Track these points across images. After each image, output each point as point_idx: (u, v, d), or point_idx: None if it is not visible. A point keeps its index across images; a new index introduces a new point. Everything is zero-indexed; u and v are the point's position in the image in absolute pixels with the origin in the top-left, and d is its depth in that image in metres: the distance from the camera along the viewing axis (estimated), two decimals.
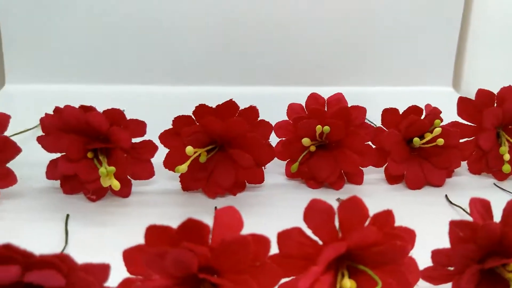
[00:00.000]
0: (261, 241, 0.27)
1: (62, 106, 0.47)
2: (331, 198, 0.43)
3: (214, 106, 0.39)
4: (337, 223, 0.29)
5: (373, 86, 0.60)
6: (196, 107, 0.39)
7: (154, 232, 0.27)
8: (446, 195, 0.42)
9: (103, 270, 0.26)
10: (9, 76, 0.58)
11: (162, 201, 0.41)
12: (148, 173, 0.40)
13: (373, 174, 0.45)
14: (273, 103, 0.44)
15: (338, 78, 0.61)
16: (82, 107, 0.38)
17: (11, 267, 0.23)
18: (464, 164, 0.45)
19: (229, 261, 0.27)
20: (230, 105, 0.39)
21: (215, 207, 0.40)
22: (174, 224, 0.38)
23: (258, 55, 0.60)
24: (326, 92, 0.46)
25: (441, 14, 0.61)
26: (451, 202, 0.42)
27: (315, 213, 0.29)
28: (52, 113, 0.40)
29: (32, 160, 0.40)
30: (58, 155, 0.40)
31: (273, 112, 0.43)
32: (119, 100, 0.42)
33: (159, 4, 0.58)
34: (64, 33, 0.58)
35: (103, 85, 0.59)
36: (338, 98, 0.43)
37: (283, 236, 0.29)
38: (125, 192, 0.40)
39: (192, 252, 0.26)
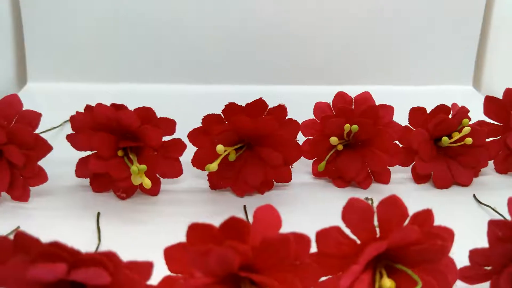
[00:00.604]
0: (302, 240, 0.27)
1: (83, 104, 0.48)
2: (359, 197, 0.43)
3: (243, 105, 0.39)
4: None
5: (393, 85, 0.60)
6: (226, 105, 0.39)
7: (196, 230, 0.27)
8: (474, 195, 0.42)
9: (146, 267, 0.26)
10: (31, 74, 0.59)
11: (190, 199, 0.41)
12: (176, 171, 0.40)
13: (399, 173, 0.44)
14: (294, 102, 0.44)
15: (358, 77, 0.60)
16: (114, 105, 0.38)
17: (58, 265, 0.23)
18: (490, 163, 0.45)
19: (270, 259, 0.27)
20: (259, 103, 0.39)
21: (244, 206, 0.40)
22: (204, 222, 0.38)
23: (277, 54, 0.60)
24: (345, 90, 0.46)
25: (462, 12, 0.61)
26: (479, 202, 0.42)
27: (354, 212, 0.29)
28: (81, 111, 0.40)
29: (58, 158, 0.40)
30: (86, 153, 0.41)
31: (298, 111, 0.43)
32: (139, 99, 0.42)
33: (180, 4, 0.58)
34: (86, 32, 0.58)
35: (124, 83, 0.59)
36: (365, 97, 0.43)
37: (322, 235, 0.29)
38: (154, 190, 0.40)
39: (235, 250, 0.26)
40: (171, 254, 0.28)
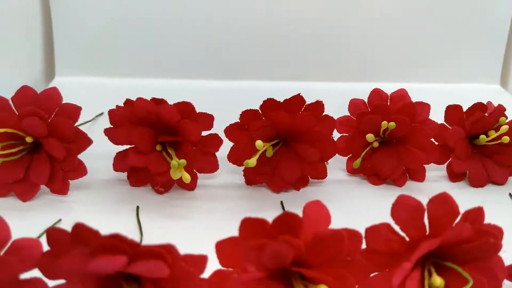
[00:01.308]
0: (354, 236, 0.28)
1: (110, 99, 0.48)
2: (394, 194, 0.42)
3: (281, 101, 0.39)
4: None
5: (421, 82, 0.60)
6: (264, 101, 0.39)
7: (248, 225, 0.27)
8: (510, 193, 0.42)
9: (201, 261, 0.26)
10: (59, 68, 0.59)
11: (226, 194, 0.41)
12: (213, 166, 0.40)
13: (433, 171, 0.44)
14: (322, 99, 0.44)
15: (386, 75, 0.60)
16: (154, 99, 0.38)
17: (119, 258, 0.23)
18: None
19: (322, 255, 0.27)
20: (297, 99, 0.39)
21: (281, 202, 0.40)
22: (241, 217, 0.38)
23: (307, 50, 0.60)
24: (371, 88, 0.46)
25: (491, 11, 0.60)
26: None
27: (404, 209, 0.29)
28: (110, 105, 0.40)
29: (92, 152, 0.40)
30: (121, 147, 0.41)
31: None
32: (164, 94, 0.42)
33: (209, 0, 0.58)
34: (113, 27, 0.58)
35: (151, 78, 0.59)
36: (402, 94, 0.43)
37: (371, 232, 0.29)
38: (191, 185, 0.40)
39: (290, 245, 0.26)
40: (223, 248, 0.28)
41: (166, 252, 0.24)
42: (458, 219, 0.29)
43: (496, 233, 0.28)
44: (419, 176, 0.43)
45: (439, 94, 0.54)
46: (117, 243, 0.23)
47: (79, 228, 0.24)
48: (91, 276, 0.24)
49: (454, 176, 0.44)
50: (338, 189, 0.42)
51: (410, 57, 0.61)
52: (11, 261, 0.24)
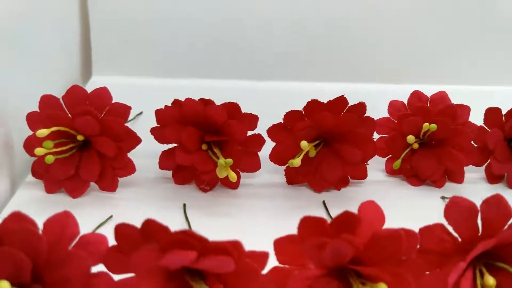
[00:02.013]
0: (411, 236, 0.28)
1: (146, 98, 0.49)
2: (434, 196, 0.44)
3: (325, 102, 0.40)
4: None
5: (457, 84, 0.60)
6: (308, 102, 0.40)
7: (308, 223, 0.28)
8: None
9: (263, 257, 0.27)
10: (96, 67, 0.60)
11: (269, 193, 0.42)
12: (255, 165, 0.41)
13: (471, 173, 0.45)
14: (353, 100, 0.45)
15: (419, 76, 0.60)
16: (202, 100, 0.38)
17: (190, 253, 0.24)
18: None
19: (379, 254, 0.27)
20: (340, 101, 0.40)
21: (323, 201, 0.41)
22: (284, 216, 0.39)
23: (343, 52, 0.61)
24: (405, 89, 0.46)
25: None
26: None
27: (457, 210, 0.29)
28: (149, 105, 0.41)
29: (134, 151, 0.41)
30: (164, 146, 0.42)
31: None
32: (201, 94, 0.43)
33: (248, 2, 0.59)
34: (150, 27, 0.59)
35: (185, 79, 0.60)
36: (442, 96, 0.43)
37: (425, 232, 0.30)
38: (235, 184, 0.41)
39: (350, 243, 0.26)
40: (280, 245, 0.28)
41: (233, 248, 0.24)
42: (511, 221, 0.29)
43: None
44: (458, 177, 0.43)
45: (476, 97, 0.54)
46: (187, 239, 0.24)
47: (149, 224, 0.25)
48: (159, 271, 0.25)
49: (492, 178, 0.44)
50: (378, 189, 0.43)
51: (446, 59, 0.61)
52: (83, 256, 0.25)
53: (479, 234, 0.29)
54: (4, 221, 0.25)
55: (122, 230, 0.26)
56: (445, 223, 0.30)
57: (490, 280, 0.29)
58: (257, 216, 0.39)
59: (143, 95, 0.57)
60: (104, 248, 0.27)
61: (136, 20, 0.59)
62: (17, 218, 0.24)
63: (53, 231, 0.25)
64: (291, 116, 0.40)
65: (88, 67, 0.61)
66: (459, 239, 0.30)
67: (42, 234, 0.25)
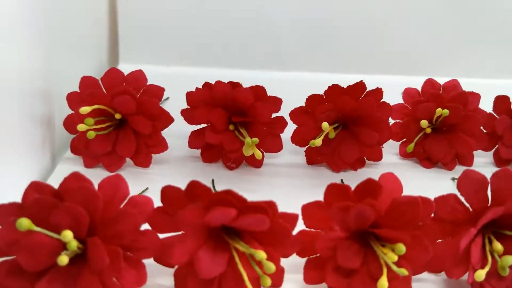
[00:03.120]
0: (427, 203, 0.31)
1: (171, 86, 0.51)
2: (445, 177, 0.46)
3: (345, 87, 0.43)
4: None
5: (464, 77, 0.62)
6: (329, 87, 0.43)
7: (333, 190, 0.30)
8: None
9: (293, 219, 0.29)
10: (123, 55, 0.63)
11: (290, 172, 0.44)
12: (278, 146, 0.44)
13: (480, 158, 0.47)
14: None
15: (430, 69, 0.62)
16: (230, 83, 0.41)
17: (231, 210, 0.27)
18: None
19: (398, 219, 0.30)
20: (359, 86, 0.43)
21: (341, 180, 0.44)
22: (304, 193, 0.41)
23: (352, 44, 0.63)
24: (412, 81, 0.49)
25: None
26: None
27: (469, 182, 0.32)
28: (173, 91, 0.44)
29: (164, 131, 0.44)
30: (191, 128, 0.45)
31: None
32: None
33: None
34: (175, 17, 0.62)
35: (211, 68, 0.62)
36: (454, 84, 0.46)
37: (440, 201, 0.32)
38: (259, 162, 0.44)
39: (372, 207, 0.29)
40: (308, 211, 0.31)
41: (268, 207, 0.27)
42: None
43: None
44: (468, 161, 0.46)
45: (484, 89, 0.56)
46: (228, 198, 0.27)
47: (194, 185, 0.28)
48: (201, 228, 0.28)
49: (500, 162, 0.46)
50: (392, 171, 0.44)
51: (455, 53, 0.64)
52: (134, 214, 0.28)
53: (489, 204, 0.32)
54: (64, 180, 0.27)
55: (168, 191, 0.29)
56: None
57: (498, 246, 0.31)
58: (279, 192, 0.41)
59: (167, 83, 0.60)
60: (150, 208, 0.29)
61: (161, 11, 0.62)
62: (76, 177, 0.27)
63: (107, 191, 0.28)
64: (312, 100, 0.43)
65: (115, 56, 0.64)
66: (471, 209, 0.32)
67: (99, 193, 0.28)
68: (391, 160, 0.47)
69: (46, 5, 0.43)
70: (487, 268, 0.30)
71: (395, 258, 0.29)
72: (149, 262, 0.30)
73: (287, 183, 0.43)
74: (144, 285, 0.30)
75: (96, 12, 0.60)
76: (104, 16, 0.62)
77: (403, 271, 0.28)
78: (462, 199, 0.32)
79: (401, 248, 0.29)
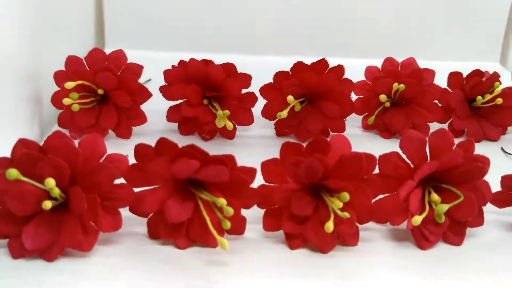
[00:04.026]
0: (370, 159, 0.35)
1: (154, 69, 0.55)
2: None
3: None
4: None
5: (424, 60, 0.65)
6: (294, 64, 0.47)
7: (288, 147, 0.34)
8: (502, 148, 0.49)
9: (251, 172, 0.33)
10: (108, 40, 0.67)
11: (261, 143, 0.48)
12: (249, 119, 0.48)
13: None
14: None
15: (387, 51, 0.65)
16: (203, 60, 0.45)
17: (193, 161, 0.31)
18: None
19: (345, 172, 0.34)
20: (322, 63, 0.47)
21: None
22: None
23: (326, 30, 0.67)
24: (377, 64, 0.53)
25: None
26: (506, 152, 0.48)
27: (410, 141, 0.36)
28: (157, 74, 0.48)
29: (144, 109, 0.48)
30: (168, 104, 0.48)
31: None
32: None
33: None
34: (159, 6, 0.65)
35: (192, 53, 0.65)
36: (411, 62, 0.50)
37: (383, 159, 0.36)
38: (231, 134, 0.48)
39: (321, 161, 0.33)
40: (266, 167, 0.35)
41: (227, 160, 0.31)
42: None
43: (483, 160, 0.35)
44: (424, 132, 0.50)
45: (442, 71, 0.60)
46: (192, 151, 0.31)
47: (162, 141, 0.32)
48: (171, 180, 0.32)
49: (454, 133, 0.50)
50: (355, 141, 0.48)
51: (413, 35, 0.68)
52: (110, 167, 0.31)
53: (428, 161, 0.36)
54: (48, 137, 0.31)
55: (140, 148, 0.32)
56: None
57: (435, 196, 0.35)
58: (250, 161, 0.45)
59: (150, 66, 0.63)
60: (125, 165, 0.33)
61: (146, 0, 0.66)
62: (59, 135, 0.31)
63: (86, 148, 0.32)
64: (279, 76, 0.47)
65: (101, 41, 0.68)
66: (412, 166, 0.36)
67: (79, 149, 0.31)
68: (354, 132, 0.51)
69: None
70: (423, 215, 0.34)
71: (340, 204, 0.33)
72: (126, 214, 0.34)
73: (258, 153, 0.47)
74: (121, 234, 0.34)
75: (84, 3, 0.64)
76: (90, 4, 0.66)
77: (346, 214, 0.32)
78: (404, 156, 0.36)
79: (345, 195, 0.33)
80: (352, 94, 0.50)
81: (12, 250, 0.31)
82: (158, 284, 0.30)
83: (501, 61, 0.70)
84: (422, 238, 0.35)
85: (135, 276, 0.31)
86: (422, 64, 0.53)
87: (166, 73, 0.47)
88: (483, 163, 0.35)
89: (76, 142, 0.32)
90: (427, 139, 0.36)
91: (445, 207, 0.34)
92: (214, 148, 0.47)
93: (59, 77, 0.45)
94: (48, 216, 0.31)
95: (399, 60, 0.52)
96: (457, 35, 0.68)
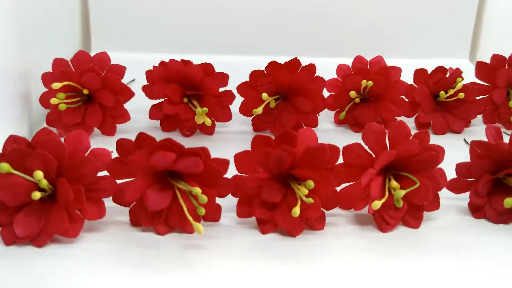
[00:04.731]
0: (334, 150, 0.38)
1: (139, 70, 0.58)
2: None
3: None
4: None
5: (397, 58, 0.67)
6: (268, 63, 0.49)
7: (258, 140, 0.37)
8: (464, 139, 0.53)
9: (225, 163, 0.36)
10: (94, 44, 0.69)
11: (238, 138, 0.51)
12: (227, 116, 0.51)
13: None
14: None
15: (360, 50, 0.67)
16: (182, 60, 0.48)
17: (169, 154, 0.34)
18: (479, 117, 0.56)
19: (310, 162, 0.37)
20: (295, 62, 0.50)
21: None
22: None
23: (298, 31, 0.70)
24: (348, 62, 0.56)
25: None
26: (467, 143, 0.52)
27: (371, 132, 0.39)
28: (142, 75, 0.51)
29: (128, 108, 0.51)
30: (154, 102, 0.51)
31: None
32: None
33: None
34: (143, 10, 0.68)
35: (172, 54, 0.68)
36: (379, 60, 0.53)
37: (347, 149, 0.39)
38: (211, 130, 0.51)
39: (288, 152, 0.36)
40: (239, 159, 0.38)
41: (202, 152, 0.34)
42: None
43: (438, 149, 0.39)
44: None
45: (413, 68, 0.63)
46: (168, 144, 0.34)
47: (141, 136, 0.34)
48: (150, 171, 0.35)
49: (420, 126, 0.54)
50: (328, 135, 0.53)
51: (385, 34, 0.71)
52: (94, 160, 0.34)
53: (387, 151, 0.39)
54: (36, 134, 0.34)
55: (122, 142, 0.35)
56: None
57: (394, 183, 0.38)
58: (229, 155, 0.48)
59: (134, 67, 0.66)
60: (108, 159, 0.36)
61: (130, 4, 0.68)
62: (46, 132, 0.34)
63: (71, 143, 0.34)
64: (255, 75, 0.50)
65: (88, 44, 0.70)
66: (373, 155, 0.39)
67: (64, 144, 0.34)
68: (327, 126, 0.54)
69: (21, 0, 0.49)
70: (382, 200, 0.37)
71: (306, 191, 0.36)
72: (109, 205, 0.37)
73: (236, 147, 0.49)
74: (105, 222, 0.37)
75: (71, 7, 0.67)
76: (77, 8, 0.68)
77: (310, 200, 0.35)
78: (366, 147, 0.39)
79: (310, 183, 0.36)
80: (325, 91, 0.53)
81: (5, 238, 0.34)
82: (139, 267, 0.33)
83: (470, 58, 0.74)
84: (383, 222, 0.39)
85: (118, 260, 0.34)
86: (394, 62, 0.57)
87: (148, 73, 0.49)
88: (437, 152, 0.38)
89: (62, 139, 0.35)
90: (386, 131, 0.39)
91: (402, 192, 0.38)
92: (194, 143, 0.49)
93: (47, 78, 0.48)
94: (37, 206, 0.34)
95: (369, 59, 0.55)
96: (427, 33, 0.72)
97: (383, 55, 0.61)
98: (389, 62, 0.56)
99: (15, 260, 0.33)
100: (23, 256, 0.33)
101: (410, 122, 0.55)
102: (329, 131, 0.53)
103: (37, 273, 0.32)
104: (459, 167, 0.40)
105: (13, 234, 0.34)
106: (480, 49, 0.74)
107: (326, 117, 0.55)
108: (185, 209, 0.35)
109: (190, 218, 0.35)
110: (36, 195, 0.32)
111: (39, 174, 0.32)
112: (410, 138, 0.39)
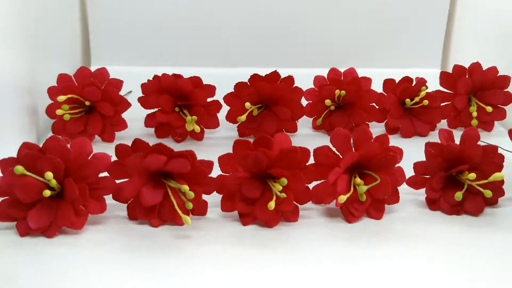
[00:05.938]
0: (304, 152, 0.43)
1: (135, 82, 0.63)
2: None
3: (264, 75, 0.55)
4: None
5: (369, 68, 0.71)
6: (251, 76, 0.55)
7: (239, 144, 0.42)
8: (428, 142, 0.58)
9: (209, 165, 0.41)
10: (94, 59, 0.75)
11: (225, 143, 0.56)
12: (214, 123, 0.56)
13: (375, 128, 0.60)
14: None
15: (337, 61, 0.72)
16: (174, 75, 0.53)
17: (161, 156, 0.39)
18: (444, 121, 0.61)
19: (284, 163, 0.42)
20: (274, 74, 0.55)
21: None
22: None
23: (280, 43, 0.76)
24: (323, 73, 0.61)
25: (430, 2, 0.76)
26: None
27: (338, 136, 0.44)
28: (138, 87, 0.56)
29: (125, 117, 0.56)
30: (146, 112, 0.57)
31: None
32: None
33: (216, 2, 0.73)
34: (141, 25, 0.73)
35: (171, 67, 0.73)
36: (351, 71, 0.59)
37: (317, 151, 0.45)
38: (200, 136, 0.56)
39: (265, 154, 0.41)
40: (222, 160, 0.43)
41: (189, 155, 0.39)
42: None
43: (396, 150, 0.44)
44: None
45: (385, 78, 0.68)
46: (160, 148, 0.39)
47: (136, 141, 0.40)
48: (144, 172, 0.40)
49: (389, 130, 0.59)
50: (306, 140, 0.58)
51: (360, 47, 0.76)
52: (96, 163, 0.39)
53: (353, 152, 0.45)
54: (46, 140, 0.39)
55: (120, 147, 0.41)
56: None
57: (358, 180, 0.44)
58: (217, 158, 0.54)
59: (131, 80, 0.71)
60: (108, 161, 0.41)
61: (127, 22, 0.74)
62: (55, 139, 0.39)
63: (76, 148, 0.40)
64: (239, 86, 0.56)
65: (88, 59, 0.76)
66: (340, 156, 0.45)
67: (70, 149, 0.39)
68: (305, 132, 0.60)
69: (29, 21, 0.55)
70: (347, 195, 0.43)
71: (280, 187, 0.41)
72: (110, 202, 0.42)
73: (223, 151, 0.54)
74: (106, 216, 0.43)
75: (69, 22, 0.72)
76: (77, 27, 0.74)
77: (283, 195, 0.40)
78: (334, 149, 0.45)
79: (284, 180, 0.41)
80: (303, 99, 0.59)
81: (20, 230, 0.39)
82: (136, 254, 0.39)
83: (442, 67, 0.79)
84: (349, 214, 0.44)
85: (117, 248, 0.39)
86: (369, 71, 0.62)
87: (143, 86, 0.55)
88: (395, 153, 0.44)
89: (68, 145, 0.41)
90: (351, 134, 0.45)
91: (364, 188, 0.43)
92: (185, 148, 0.55)
93: (52, 92, 0.53)
94: (47, 202, 0.39)
95: (344, 69, 0.61)
96: (401, 44, 0.77)
97: (359, 65, 0.67)
98: (365, 72, 0.62)
99: (29, 248, 0.39)
100: (36, 245, 0.39)
101: (380, 127, 0.61)
102: (307, 136, 0.59)
103: (48, 260, 0.38)
104: (417, 166, 0.46)
105: (27, 226, 0.39)
106: (450, 59, 0.79)
107: (304, 123, 0.60)
108: (175, 204, 0.40)
109: (179, 211, 0.40)
110: (47, 193, 0.38)
111: (49, 175, 0.38)
112: (371, 141, 0.44)
